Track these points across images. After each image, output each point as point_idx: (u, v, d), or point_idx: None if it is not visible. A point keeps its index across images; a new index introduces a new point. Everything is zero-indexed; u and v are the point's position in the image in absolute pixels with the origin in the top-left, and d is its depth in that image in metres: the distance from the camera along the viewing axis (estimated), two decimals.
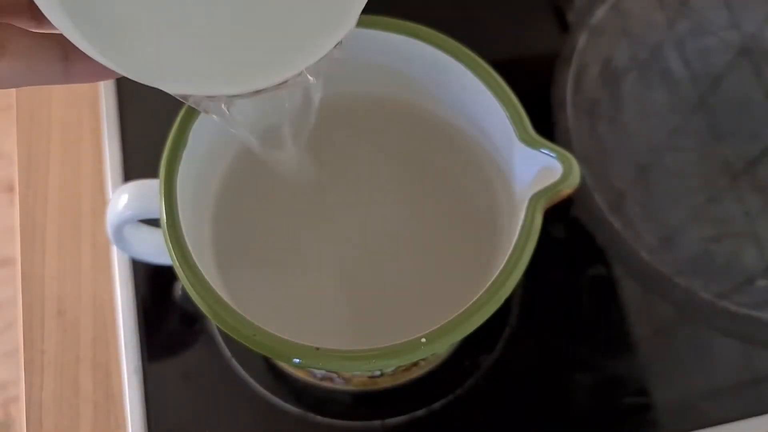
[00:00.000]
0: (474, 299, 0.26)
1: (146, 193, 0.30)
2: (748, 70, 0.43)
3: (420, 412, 0.35)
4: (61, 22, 0.19)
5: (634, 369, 0.36)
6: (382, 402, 0.35)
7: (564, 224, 0.39)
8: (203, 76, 0.21)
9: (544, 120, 0.39)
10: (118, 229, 0.32)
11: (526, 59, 0.44)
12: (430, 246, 0.35)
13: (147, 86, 0.21)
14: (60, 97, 0.41)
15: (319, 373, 0.34)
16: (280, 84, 0.22)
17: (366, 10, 0.21)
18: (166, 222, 0.27)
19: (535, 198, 0.27)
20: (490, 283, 0.26)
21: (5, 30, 0.20)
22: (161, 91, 0.21)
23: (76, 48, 0.19)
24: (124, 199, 0.30)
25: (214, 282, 0.27)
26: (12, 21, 0.21)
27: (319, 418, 0.35)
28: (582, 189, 0.38)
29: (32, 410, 0.35)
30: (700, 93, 0.42)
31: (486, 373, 0.36)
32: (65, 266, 0.38)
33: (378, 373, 0.33)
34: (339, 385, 0.35)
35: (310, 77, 0.23)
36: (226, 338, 0.36)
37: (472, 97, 0.30)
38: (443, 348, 0.34)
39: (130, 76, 0.20)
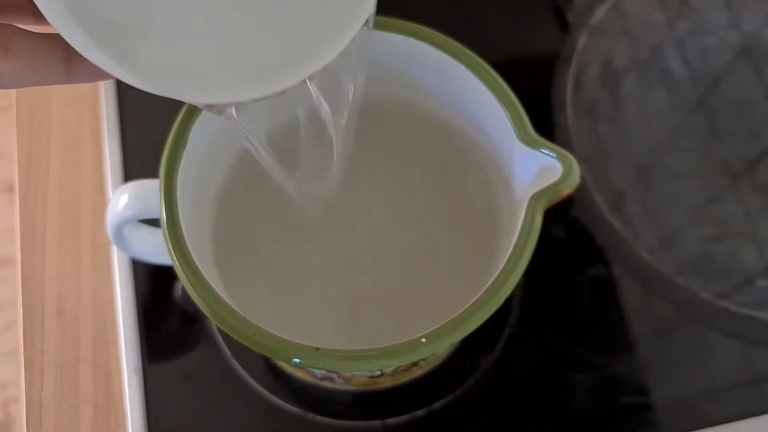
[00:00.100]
0: (474, 299, 0.26)
1: (146, 193, 0.30)
2: (748, 70, 0.43)
3: (420, 412, 0.35)
4: (72, 35, 0.19)
5: (633, 369, 0.36)
6: (382, 402, 0.35)
7: (564, 224, 0.39)
8: (218, 85, 0.21)
9: (544, 120, 0.39)
10: (118, 229, 0.32)
11: (526, 59, 0.44)
12: (430, 246, 0.35)
13: None
14: (60, 97, 0.41)
15: (319, 373, 0.34)
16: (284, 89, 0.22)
17: None
18: (166, 222, 0.27)
19: (535, 198, 0.27)
20: (490, 283, 0.26)
21: (6, 30, 0.20)
22: None
23: None
24: (124, 199, 0.30)
25: (214, 282, 0.27)
26: (13, 20, 0.21)
27: (319, 418, 0.35)
28: (582, 189, 0.38)
29: (32, 410, 0.35)
30: (700, 93, 0.42)
31: (486, 373, 0.36)
32: (65, 266, 0.38)
33: (378, 373, 0.33)
34: (339, 385, 0.35)
35: (313, 89, 0.23)
36: (226, 338, 0.36)
37: (472, 97, 0.30)
38: (443, 348, 0.34)
39: (145, 88, 0.20)
